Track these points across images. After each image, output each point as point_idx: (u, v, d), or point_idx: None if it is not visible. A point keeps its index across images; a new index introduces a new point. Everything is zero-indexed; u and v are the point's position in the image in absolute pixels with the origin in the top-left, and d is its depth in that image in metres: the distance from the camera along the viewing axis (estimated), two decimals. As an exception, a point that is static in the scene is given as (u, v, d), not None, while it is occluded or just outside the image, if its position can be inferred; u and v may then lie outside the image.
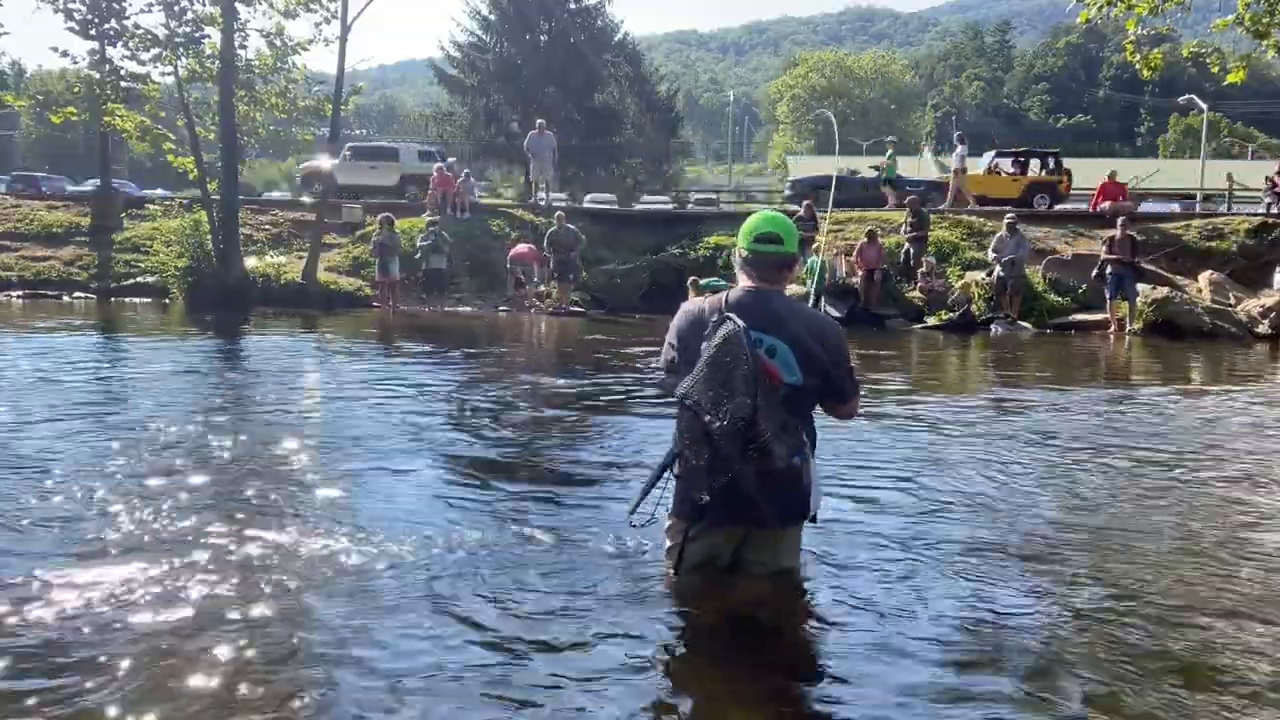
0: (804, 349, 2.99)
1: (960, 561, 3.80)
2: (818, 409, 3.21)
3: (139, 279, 17.69)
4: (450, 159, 25.14)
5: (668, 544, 3.28)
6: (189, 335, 12.49)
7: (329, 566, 3.56)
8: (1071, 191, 23.00)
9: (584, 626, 3.06)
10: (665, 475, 3.14)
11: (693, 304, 3.19)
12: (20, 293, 17.23)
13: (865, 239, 16.37)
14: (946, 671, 2.83)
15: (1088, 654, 2.96)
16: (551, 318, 16.18)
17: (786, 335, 2.98)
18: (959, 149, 21.13)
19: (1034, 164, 23.51)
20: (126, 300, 17.08)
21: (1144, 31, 11.01)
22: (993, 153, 25.21)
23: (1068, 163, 24.48)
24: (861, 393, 3.26)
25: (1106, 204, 18.33)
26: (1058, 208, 21.46)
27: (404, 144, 22.56)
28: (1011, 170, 23.22)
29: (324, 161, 19.43)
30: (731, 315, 2.90)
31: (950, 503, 4.69)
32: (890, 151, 22.63)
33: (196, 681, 2.63)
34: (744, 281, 3.11)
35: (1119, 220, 15.21)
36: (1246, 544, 4.13)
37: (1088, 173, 24.99)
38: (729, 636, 3.06)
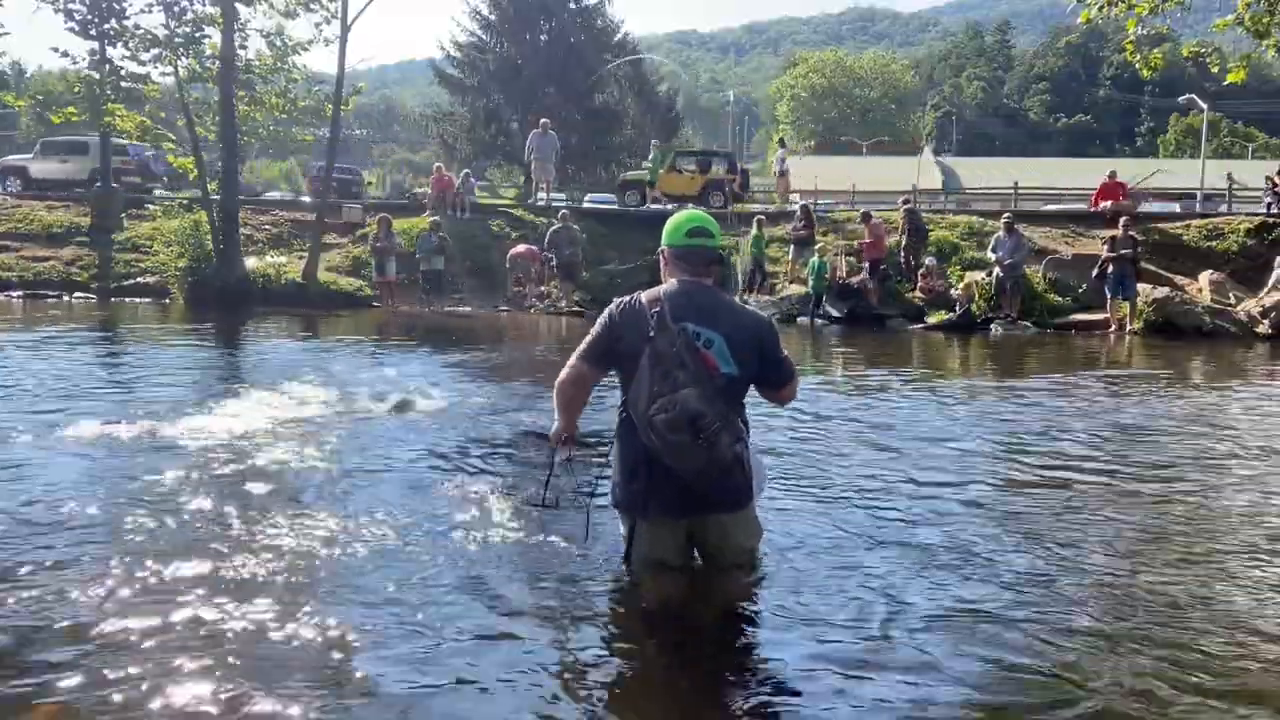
0: (736, 341, 3.07)
1: (934, 558, 3.80)
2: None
3: (139, 279, 17.69)
4: (151, 151, 22.56)
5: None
6: (190, 334, 12.48)
7: (308, 560, 3.60)
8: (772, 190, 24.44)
9: (534, 622, 3.09)
10: (556, 460, 3.35)
11: (628, 298, 3.19)
12: (20, 293, 17.21)
13: (861, 222, 16.57)
14: (894, 670, 2.84)
15: (1082, 649, 2.97)
16: (551, 318, 16.17)
17: (720, 328, 3.07)
18: (779, 152, 22.70)
19: (715, 164, 24.43)
20: (127, 300, 17.06)
21: (1144, 31, 10.99)
22: (674, 154, 26.04)
23: (1067, 162, 24.65)
24: (798, 378, 3.33)
25: (1107, 204, 18.32)
26: (1056, 211, 21.52)
27: (93, 137, 22.17)
28: (692, 169, 24.02)
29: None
30: (671, 308, 2.99)
31: (932, 499, 4.69)
32: (653, 155, 23.99)
33: (171, 673, 2.64)
34: (673, 277, 3.17)
35: (1120, 220, 15.22)
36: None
37: (1088, 173, 24.97)
38: (679, 634, 3.07)
